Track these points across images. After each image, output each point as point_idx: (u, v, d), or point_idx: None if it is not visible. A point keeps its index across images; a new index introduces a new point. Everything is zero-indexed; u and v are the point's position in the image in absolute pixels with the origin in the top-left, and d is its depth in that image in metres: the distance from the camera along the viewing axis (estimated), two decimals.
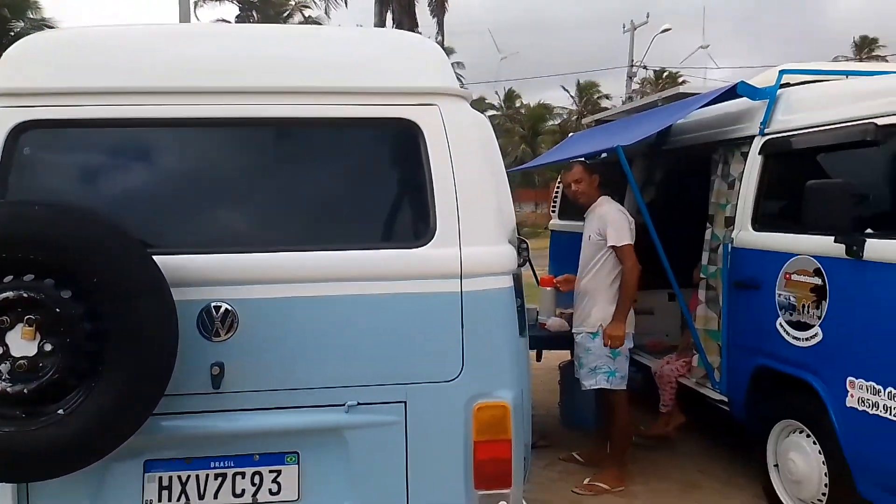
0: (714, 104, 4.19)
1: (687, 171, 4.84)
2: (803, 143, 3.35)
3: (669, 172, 4.95)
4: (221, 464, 2.15)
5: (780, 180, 3.55)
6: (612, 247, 3.79)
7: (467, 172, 2.23)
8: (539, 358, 4.83)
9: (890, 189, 2.85)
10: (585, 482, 3.99)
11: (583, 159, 4.42)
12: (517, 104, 42.61)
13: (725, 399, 3.88)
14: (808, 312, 3.16)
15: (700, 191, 4.30)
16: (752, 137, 3.73)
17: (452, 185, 2.21)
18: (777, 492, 3.52)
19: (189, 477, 2.13)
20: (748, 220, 3.63)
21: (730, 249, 3.72)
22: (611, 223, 3.83)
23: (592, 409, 4.48)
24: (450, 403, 2.18)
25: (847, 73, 3.70)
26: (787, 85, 3.75)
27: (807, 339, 3.17)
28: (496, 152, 2.61)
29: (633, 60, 27.50)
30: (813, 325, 3.13)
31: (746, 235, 3.63)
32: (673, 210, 5.04)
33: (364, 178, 2.30)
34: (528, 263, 6.44)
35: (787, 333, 3.30)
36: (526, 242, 2.82)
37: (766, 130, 3.63)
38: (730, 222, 3.82)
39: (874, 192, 2.90)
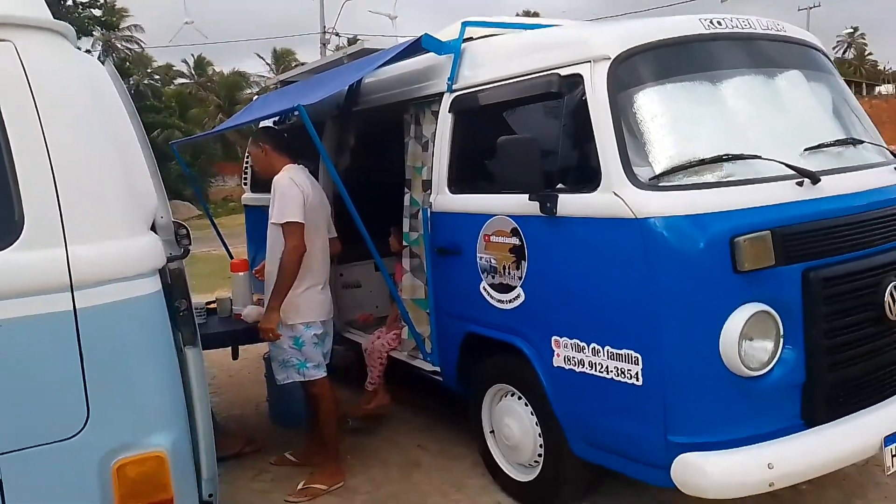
0: (401, 60, 3.92)
1: (383, 133, 4.55)
2: (491, 97, 3.19)
3: (365, 135, 4.62)
4: None
5: (473, 139, 3.38)
6: (276, 224, 3.34)
7: (70, 138, 1.58)
8: (235, 355, 4.23)
9: (577, 141, 2.79)
10: (299, 487, 3.55)
11: (269, 125, 3.88)
12: (210, 72, 39.85)
13: (438, 370, 3.70)
14: (509, 274, 3.04)
15: (398, 154, 4.03)
16: (441, 95, 3.51)
17: (45, 156, 1.53)
18: (495, 458, 3.43)
19: None
20: (444, 183, 3.42)
21: (429, 215, 3.49)
22: (277, 197, 3.35)
23: (304, 402, 4.04)
24: (74, 468, 1.55)
25: (526, 27, 3.64)
26: (472, 40, 3.59)
27: (510, 302, 3.05)
28: (121, 111, 1.94)
29: (325, 27, 27.16)
30: (515, 287, 3.01)
31: (444, 199, 3.42)
32: (372, 175, 4.76)
33: None
34: (224, 246, 5.80)
35: (492, 297, 3.16)
36: (186, 227, 2.21)
37: (453, 87, 3.43)
38: (427, 186, 3.59)
39: (563, 145, 2.81)
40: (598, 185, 2.61)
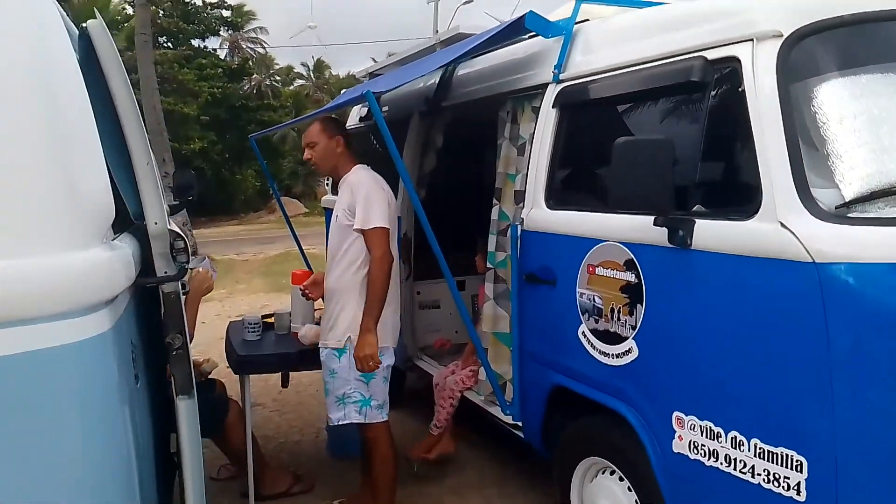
0: (500, 46, 3.29)
1: (477, 133, 3.93)
2: (608, 89, 2.49)
3: (456, 135, 4.01)
4: None
5: (581, 141, 2.69)
6: (359, 230, 2.80)
7: None
8: (285, 383, 3.70)
9: (727, 147, 2.05)
10: None
11: (332, 116, 3.35)
12: (326, 75, 40.81)
13: (519, 424, 3.02)
14: (618, 320, 2.32)
15: (492, 158, 3.40)
16: (544, 86, 2.84)
17: None
18: None
19: None
20: (540, 195, 2.74)
21: (518, 233, 2.82)
22: (361, 198, 2.83)
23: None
24: None
25: (660, 3, 2.91)
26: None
27: (618, 356, 2.34)
28: (75, 81, 1.36)
29: (437, 31, 26.97)
30: (626, 338, 2.29)
31: (538, 215, 2.74)
32: (463, 181, 4.16)
33: None
34: (301, 250, 5.35)
35: (593, 346, 2.45)
36: (184, 239, 1.65)
37: (561, 76, 2.75)
38: (520, 198, 2.93)
39: (706, 152, 2.08)
40: (757, 211, 1.86)
